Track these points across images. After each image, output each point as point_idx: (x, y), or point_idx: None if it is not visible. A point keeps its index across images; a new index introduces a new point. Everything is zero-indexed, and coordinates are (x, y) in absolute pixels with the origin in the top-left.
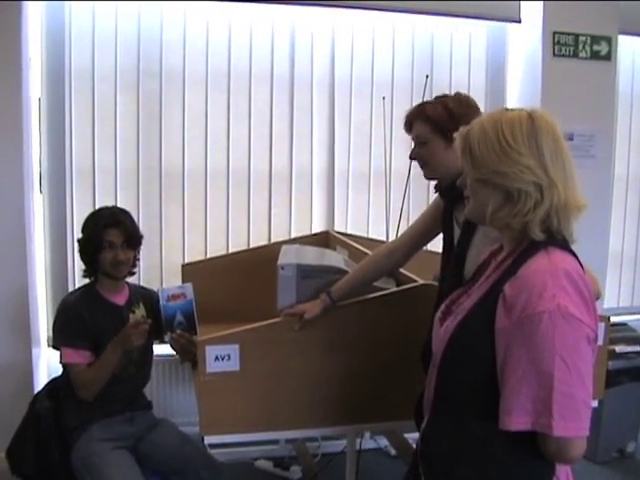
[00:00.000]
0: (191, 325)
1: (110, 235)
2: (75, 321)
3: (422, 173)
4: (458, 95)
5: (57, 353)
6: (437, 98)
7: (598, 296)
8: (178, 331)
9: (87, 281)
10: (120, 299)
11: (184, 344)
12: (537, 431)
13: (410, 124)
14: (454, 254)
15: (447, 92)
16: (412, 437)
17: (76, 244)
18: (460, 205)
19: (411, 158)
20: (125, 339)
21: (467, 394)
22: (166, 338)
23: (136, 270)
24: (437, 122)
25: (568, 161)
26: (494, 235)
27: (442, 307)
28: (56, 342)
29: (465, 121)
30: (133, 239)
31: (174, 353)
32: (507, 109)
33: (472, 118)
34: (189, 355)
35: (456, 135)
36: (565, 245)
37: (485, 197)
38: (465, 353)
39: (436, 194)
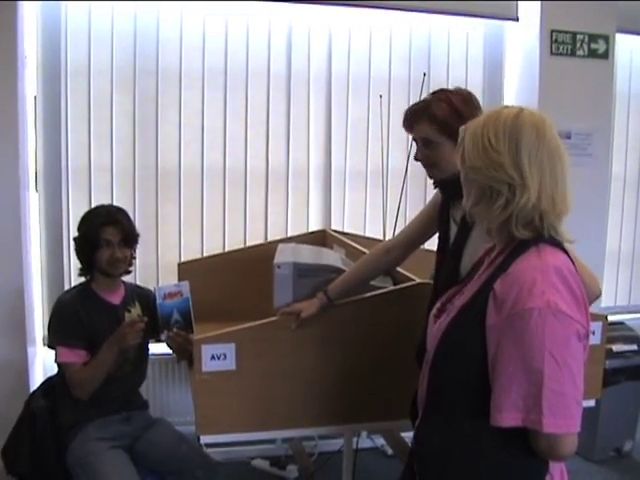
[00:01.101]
0: (188, 323)
1: (107, 233)
2: (70, 320)
3: (425, 172)
4: (460, 91)
5: (52, 352)
6: (436, 93)
7: (599, 294)
8: (175, 329)
9: (83, 280)
10: (116, 298)
11: (181, 342)
12: (528, 428)
13: (412, 123)
14: (451, 250)
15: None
16: (409, 436)
17: (72, 243)
18: (457, 201)
19: (416, 159)
20: (121, 338)
21: (458, 391)
22: (162, 337)
23: (132, 269)
24: (445, 123)
25: (552, 161)
26: None
27: (437, 305)
28: (51, 341)
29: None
30: (130, 237)
31: (170, 352)
32: (507, 107)
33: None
34: (185, 354)
35: (461, 129)
36: (556, 242)
37: (466, 192)
38: (457, 350)
39: (435, 190)
